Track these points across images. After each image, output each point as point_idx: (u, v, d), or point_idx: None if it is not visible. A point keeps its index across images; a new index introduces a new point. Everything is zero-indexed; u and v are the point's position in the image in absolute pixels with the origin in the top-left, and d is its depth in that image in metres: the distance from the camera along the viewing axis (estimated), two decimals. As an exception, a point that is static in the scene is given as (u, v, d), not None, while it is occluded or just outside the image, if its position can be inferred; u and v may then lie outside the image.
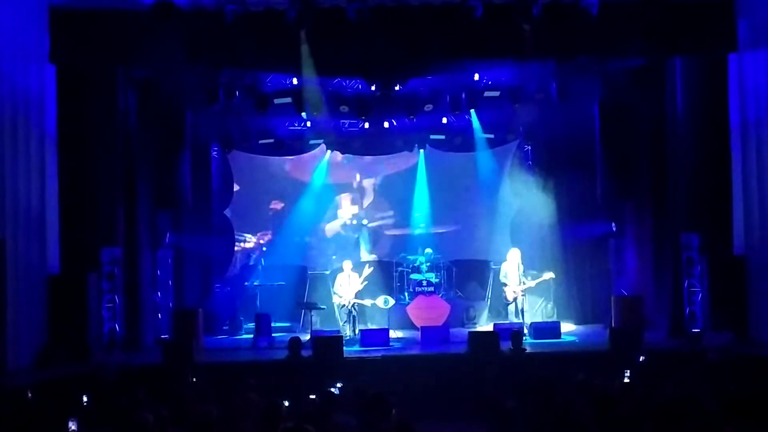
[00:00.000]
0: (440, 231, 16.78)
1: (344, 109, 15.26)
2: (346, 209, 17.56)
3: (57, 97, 12.57)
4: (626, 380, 9.19)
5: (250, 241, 16.93)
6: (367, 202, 17.66)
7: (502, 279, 14.30)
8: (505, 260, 14.42)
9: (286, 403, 7.62)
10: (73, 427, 6.57)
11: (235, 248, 16.77)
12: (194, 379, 10.18)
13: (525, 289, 14.12)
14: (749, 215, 12.81)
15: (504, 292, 14.29)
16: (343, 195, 17.64)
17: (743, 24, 12.73)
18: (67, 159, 12.62)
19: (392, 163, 17.56)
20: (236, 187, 16.82)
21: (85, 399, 8.34)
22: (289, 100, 14.80)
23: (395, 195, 17.58)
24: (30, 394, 8.71)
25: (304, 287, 15.84)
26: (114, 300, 13.01)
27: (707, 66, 13.16)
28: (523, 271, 14.21)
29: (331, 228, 17.36)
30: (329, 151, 16.97)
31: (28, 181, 11.93)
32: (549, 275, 14.37)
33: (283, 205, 17.14)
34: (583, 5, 11.50)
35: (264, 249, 16.87)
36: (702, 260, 13.12)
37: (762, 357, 11.14)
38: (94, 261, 12.71)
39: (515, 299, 14.07)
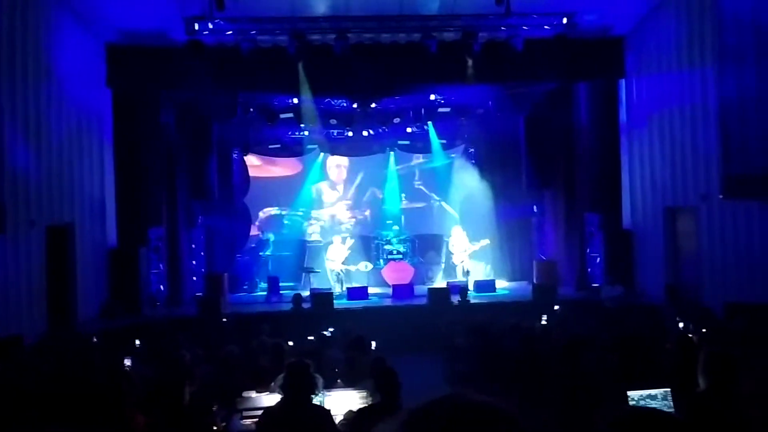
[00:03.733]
0: (409, 206, 16.45)
1: (333, 121, 15.18)
2: (328, 195, 17.21)
3: (113, 113, 12.44)
4: (544, 323, 9.28)
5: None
6: (350, 193, 17.33)
7: (450, 249, 14.42)
8: (451, 236, 14.55)
9: (291, 343, 7.63)
10: (128, 364, 6.54)
11: (251, 227, 16.61)
12: (224, 320, 10.15)
13: (469, 254, 14.23)
14: (634, 201, 12.99)
15: (452, 258, 14.44)
16: (321, 183, 16.95)
17: (630, 56, 12.84)
18: (122, 160, 12.51)
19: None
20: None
21: (137, 342, 8.31)
22: (291, 114, 14.70)
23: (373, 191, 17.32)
24: (95, 339, 8.65)
25: (304, 256, 15.79)
26: (159, 267, 12.93)
27: (603, 88, 13.27)
28: (469, 241, 14.32)
29: (326, 212, 17.05)
30: (322, 153, 16.84)
31: (92, 177, 11.82)
32: (486, 242, 14.46)
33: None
34: (511, 43, 11.50)
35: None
36: (600, 233, 13.26)
37: (644, 304, 11.32)
38: (144, 238, 12.61)
39: (462, 262, 14.17)
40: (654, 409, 1.11)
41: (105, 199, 12.13)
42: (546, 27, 11.35)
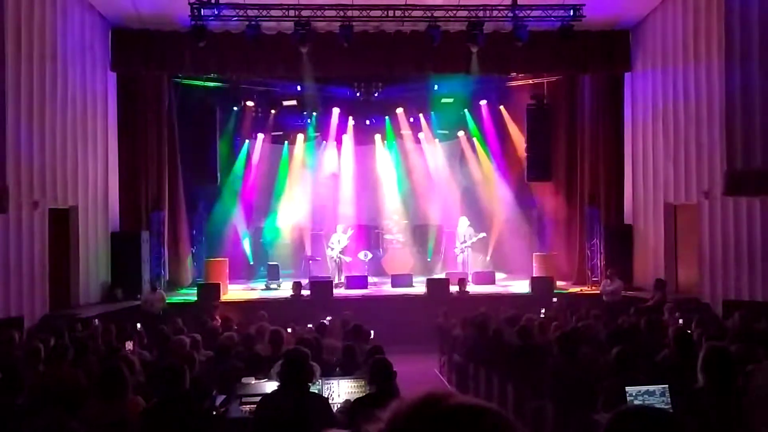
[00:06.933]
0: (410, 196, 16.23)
1: (336, 109, 15.14)
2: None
3: (117, 96, 12.43)
4: (542, 315, 9.30)
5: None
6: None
7: (456, 239, 14.27)
8: (457, 226, 14.44)
9: (290, 330, 7.65)
10: (129, 347, 6.57)
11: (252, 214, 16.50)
12: (217, 317, 9.97)
13: (469, 246, 14.09)
14: (636, 194, 12.97)
15: (455, 248, 14.37)
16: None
17: (636, 50, 12.78)
18: (126, 144, 12.53)
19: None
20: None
21: (138, 326, 8.33)
22: (294, 102, 14.65)
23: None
24: (96, 321, 8.67)
25: (304, 244, 15.75)
26: (161, 252, 12.94)
27: (608, 81, 13.23)
28: (471, 233, 14.17)
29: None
30: (324, 141, 16.70)
31: (95, 160, 11.82)
32: (482, 235, 14.33)
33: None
34: (517, 34, 11.42)
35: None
36: (600, 227, 13.26)
37: (642, 299, 11.30)
38: (146, 222, 12.64)
39: (462, 253, 14.10)
40: (652, 407, 1.11)
41: (108, 182, 12.13)
42: (552, 19, 11.27)
